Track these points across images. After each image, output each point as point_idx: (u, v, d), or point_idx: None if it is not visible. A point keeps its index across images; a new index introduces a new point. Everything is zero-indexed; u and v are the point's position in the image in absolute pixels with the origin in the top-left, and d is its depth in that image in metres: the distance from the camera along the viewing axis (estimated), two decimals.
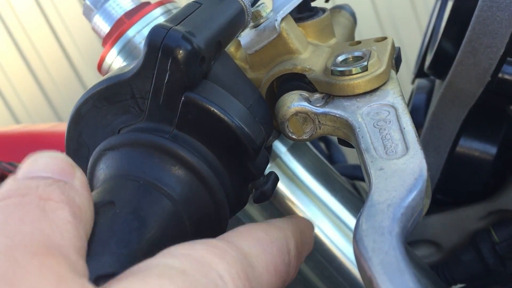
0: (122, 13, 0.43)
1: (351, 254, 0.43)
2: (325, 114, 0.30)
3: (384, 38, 0.34)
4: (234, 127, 0.26)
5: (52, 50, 1.91)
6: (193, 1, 0.29)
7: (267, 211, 0.43)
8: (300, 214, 0.42)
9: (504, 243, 0.49)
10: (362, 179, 0.69)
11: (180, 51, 0.25)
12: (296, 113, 0.31)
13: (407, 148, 0.25)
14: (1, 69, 1.93)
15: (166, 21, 0.27)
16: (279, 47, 0.33)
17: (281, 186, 0.41)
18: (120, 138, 0.27)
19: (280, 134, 0.38)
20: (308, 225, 0.32)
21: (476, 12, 0.37)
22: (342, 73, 0.30)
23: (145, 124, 0.27)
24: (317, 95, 0.32)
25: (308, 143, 0.45)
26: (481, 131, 0.50)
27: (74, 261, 0.19)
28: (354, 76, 0.30)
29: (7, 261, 0.17)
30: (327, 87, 0.31)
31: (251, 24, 0.34)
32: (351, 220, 0.43)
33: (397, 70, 0.34)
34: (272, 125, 0.34)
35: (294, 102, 0.31)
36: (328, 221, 0.42)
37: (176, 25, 0.26)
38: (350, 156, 0.83)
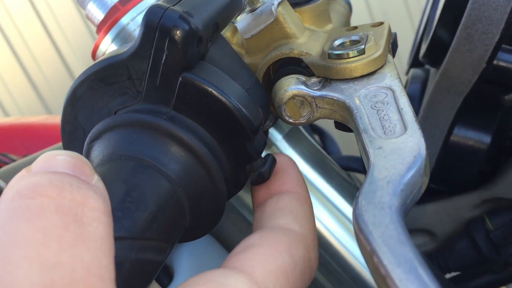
0: (116, 0, 0.43)
1: (346, 242, 0.43)
2: (322, 97, 0.30)
3: (381, 23, 0.34)
4: (232, 108, 0.26)
5: (42, 44, 1.89)
6: None
7: None
8: None
9: (498, 231, 0.49)
10: (356, 170, 0.70)
11: (178, 31, 0.25)
12: (293, 97, 0.31)
13: (405, 128, 0.25)
14: None
15: (163, 1, 0.26)
16: (275, 31, 0.33)
17: None
18: (117, 119, 0.27)
19: (277, 119, 0.38)
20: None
21: None
22: (339, 57, 0.30)
23: (142, 105, 0.27)
24: (314, 79, 0.32)
25: (303, 131, 0.45)
26: (475, 120, 0.50)
27: None
28: (351, 59, 0.30)
29: None
30: (324, 70, 0.31)
31: (248, 8, 0.34)
32: (346, 208, 0.43)
33: (393, 55, 0.34)
34: (269, 109, 0.34)
35: (291, 86, 0.31)
36: (324, 208, 0.42)
37: (174, 5, 0.26)
38: (344, 147, 0.83)
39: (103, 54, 0.42)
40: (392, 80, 0.29)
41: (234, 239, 0.59)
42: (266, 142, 0.30)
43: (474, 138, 0.50)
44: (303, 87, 0.31)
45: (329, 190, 0.43)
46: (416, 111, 0.53)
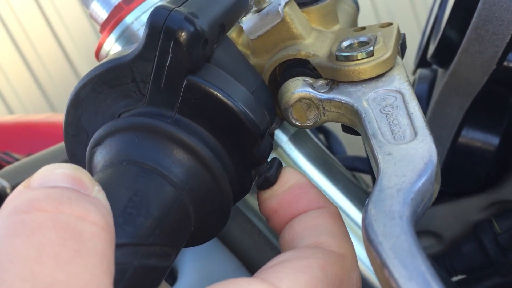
0: None
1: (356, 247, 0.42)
2: (329, 100, 0.30)
3: (390, 24, 0.33)
4: (238, 111, 0.26)
5: (47, 41, 1.89)
6: None
7: None
8: None
9: (506, 234, 0.48)
10: (362, 171, 0.69)
11: (183, 33, 0.24)
12: (300, 99, 0.31)
13: (415, 133, 0.25)
14: None
15: (168, 2, 0.26)
16: (282, 32, 0.33)
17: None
18: (120, 123, 0.26)
19: (283, 121, 0.38)
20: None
21: None
22: (347, 58, 0.30)
23: (146, 108, 0.27)
24: (321, 81, 0.31)
25: (309, 132, 0.44)
26: (483, 121, 0.50)
27: None
28: (360, 61, 0.30)
29: None
30: (331, 72, 0.31)
31: (254, 8, 0.33)
32: (352, 210, 0.43)
33: (402, 56, 0.33)
34: (275, 112, 0.33)
35: (298, 88, 0.31)
36: None
37: (179, 7, 0.25)
38: (349, 147, 0.83)
39: (107, 54, 0.41)
40: (402, 83, 0.29)
41: (239, 240, 0.59)
42: (272, 145, 0.29)
43: (482, 139, 0.50)
44: (310, 89, 0.30)
45: (335, 192, 0.43)
46: (424, 111, 0.53)
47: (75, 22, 1.84)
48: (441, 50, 0.43)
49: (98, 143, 0.27)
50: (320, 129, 0.79)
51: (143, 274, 0.22)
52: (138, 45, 0.26)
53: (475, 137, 0.50)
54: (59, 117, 0.78)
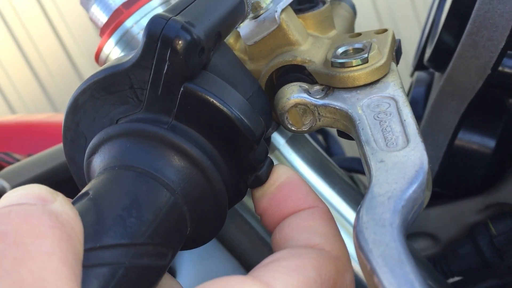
0: (120, 3, 0.42)
1: (349, 247, 0.43)
2: (325, 106, 0.30)
3: (385, 30, 0.34)
4: (234, 118, 0.26)
5: (48, 41, 1.90)
6: None
7: None
8: None
9: (501, 236, 0.49)
10: (360, 172, 0.69)
11: (180, 42, 0.25)
12: (296, 105, 0.31)
13: (408, 140, 0.25)
14: None
15: (165, 11, 0.26)
16: (279, 38, 0.33)
17: None
18: (118, 129, 0.27)
19: (279, 125, 0.38)
20: None
21: (477, 5, 0.37)
22: (343, 65, 0.30)
23: (143, 114, 0.27)
24: (316, 87, 0.32)
25: (306, 135, 0.44)
26: (480, 124, 0.50)
27: None
28: (355, 68, 0.30)
29: None
30: (327, 79, 0.31)
31: (251, 15, 0.33)
32: (349, 213, 0.43)
33: (397, 63, 0.33)
34: (271, 117, 0.34)
35: (294, 94, 0.31)
36: None
37: (176, 15, 0.26)
38: (347, 148, 0.83)
39: (107, 57, 0.42)
40: (396, 89, 0.29)
41: (237, 241, 0.59)
42: (267, 151, 0.30)
43: (479, 142, 0.50)
44: (305, 95, 0.31)
45: (332, 194, 0.43)
46: (421, 114, 0.53)
47: (77, 20, 1.85)
48: (437, 55, 0.44)
49: (96, 149, 0.27)
50: (319, 130, 0.79)
51: (136, 273, 0.22)
52: (136, 52, 0.26)
53: (471, 140, 0.50)
54: (60, 117, 0.78)
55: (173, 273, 0.53)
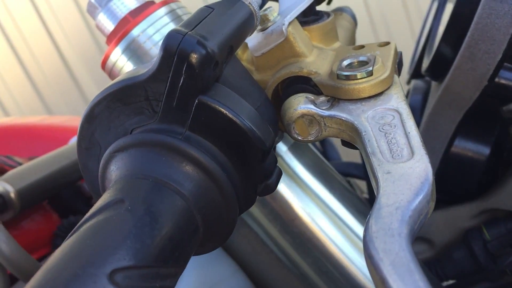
0: (127, 11, 0.43)
1: (348, 251, 0.44)
2: (331, 117, 0.31)
3: (387, 43, 0.35)
4: (246, 129, 0.27)
5: (42, 43, 1.90)
6: (205, 6, 0.30)
7: (266, 208, 0.44)
8: (299, 212, 0.43)
9: (495, 241, 0.50)
10: (356, 176, 0.71)
11: (195, 56, 0.26)
12: (302, 116, 0.32)
13: (412, 153, 0.26)
14: None
15: (180, 26, 0.27)
16: (285, 50, 0.34)
17: (282, 184, 0.42)
18: (133, 138, 0.28)
19: (284, 134, 0.39)
20: None
21: (475, 19, 0.38)
22: (348, 77, 0.31)
23: (158, 125, 0.28)
24: (322, 98, 0.33)
25: None
26: (475, 132, 0.52)
27: None
28: (360, 80, 0.31)
29: None
30: (332, 90, 0.32)
31: (259, 27, 0.34)
32: (348, 218, 0.44)
33: (399, 74, 0.35)
34: (278, 126, 0.35)
35: (301, 105, 0.32)
36: (327, 219, 0.44)
37: (191, 30, 0.27)
38: (343, 153, 0.84)
39: (113, 64, 0.43)
40: (399, 102, 0.30)
41: (237, 244, 0.60)
42: (276, 161, 0.31)
43: (474, 149, 0.51)
44: (312, 106, 0.32)
45: (332, 200, 0.44)
46: (418, 122, 0.55)
47: (70, 21, 1.85)
48: (435, 65, 0.45)
49: (111, 158, 0.28)
50: None
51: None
52: (153, 66, 0.27)
53: (467, 147, 0.51)
54: (53, 119, 0.78)
55: None
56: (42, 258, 0.58)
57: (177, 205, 0.26)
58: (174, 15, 0.42)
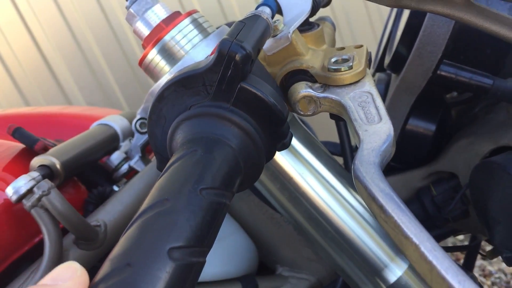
0: (159, 20, 0.56)
1: (330, 203, 0.57)
2: (324, 98, 0.45)
3: (361, 46, 0.49)
4: (271, 104, 0.41)
5: (20, 37, 1.95)
6: (239, 21, 0.43)
7: (269, 171, 0.58)
8: (294, 174, 0.56)
9: (440, 196, 0.65)
10: (333, 153, 0.85)
11: (240, 56, 0.39)
12: (304, 97, 0.46)
13: (381, 118, 0.40)
14: None
15: (227, 35, 0.40)
16: (290, 51, 0.48)
17: (280, 153, 0.56)
18: (195, 111, 0.41)
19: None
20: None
21: (422, 28, 0.53)
22: (335, 70, 0.45)
23: (211, 102, 0.41)
24: (317, 85, 0.47)
25: (299, 121, 0.59)
26: (424, 114, 0.67)
27: None
28: (343, 72, 0.45)
29: None
30: (324, 79, 0.46)
31: (271, 34, 0.48)
32: (331, 178, 0.58)
33: (370, 68, 0.49)
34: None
35: (302, 89, 0.46)
36: (314, 179, 0.57)
37: (236, 37, 0.40)
38: (319, 134, 0.99)
39: (149, 62, 0.55)
40: (371, 87, 0.45)
41: (238, 207, 0.73)
42: (289, 127, 0.44)
43: (423, 127, 0.66)
44: (310, 90, 0.46)
45: (320, 166, 0.58)
46: None
47: (49, 18, 1.92)
48: (394, 61, 0.60)
49: (178, 125, 0.41)
50: None
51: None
52: (209, 62, 0.40)
53: (418, 125, 0.66)
54: (74, 109, 0.90)
55: None
56: None
57: (228, 153, 0.39)
58: (196, 24, 0.55)
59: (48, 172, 0.63)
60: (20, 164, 0.67)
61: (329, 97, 0.45)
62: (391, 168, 0.71)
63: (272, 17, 0.48)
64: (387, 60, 0.62)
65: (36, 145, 0.68)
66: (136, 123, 0.76)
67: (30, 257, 0.63)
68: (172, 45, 0.54)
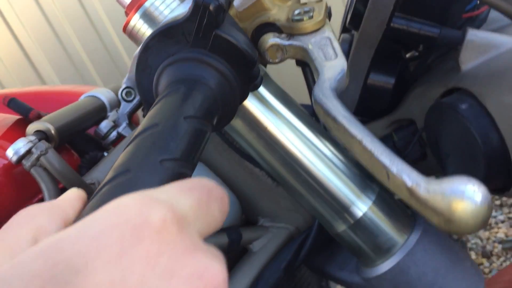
0: None
1: (302, 149, 0.64)
2: (290, 45, 0.52)
3: (321, 0, 0.56)
4: (243, 49, 0.47)
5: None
6: None
7: (246, 121, 0.64)
8: (269, 123, 0.63)
9: (400, 141, 0.73)
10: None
11: (213, 6, 0.45)
12: (272, 46, 0.52)
13: (336, 56, 0.47)
14: None
15: None
16: (258, 6, 0.54)
17: (256, 104, 0.62)
18: (177, 57, 0.47)
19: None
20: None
21: None
22: (298, 20, 0.52)
23: (190, 49, 0.47)
24: (283, 35, 0.53)
25: (271, 78, 0.66)
26: (384, 69, 0.74)
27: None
28: (306, 22, 0.52)
29: None
30: (289, 29, 0.53)
31: None
32: (302, 127, 0.64)
33: (329, 19, 0.56)
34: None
35: (270, 39, 0.52)
36: (286, 127, 0.63)
37: None
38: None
39: (132, 28, 0.61)
40: (329, 33, 0.51)
41: (217, 161, 0.79)
42: (259, 70, 0.51)
43: (383, 80, 0.73)
44: (277, 39, 0.52)
45: (292, 117, 0.64)
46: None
47: (28, 11, 1.95)
48: (354, 18, 0.66)
49: (163, 70, 0.47)
50: None
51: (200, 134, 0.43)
52: (187, 13, 0.46)
53: (378, 79, 0.73)
54: (82, 88, 0.95)
55: None
56: None
57: (207, 91, 0.45)
58: None
59: (43, 136, 0.68)
60: (16, 132, 0.72)
61: (293, 44, 0.52)
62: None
63: None
64: (348, 18, 0.69)
65: (30, 113, 0.73)
66: (122, 92, 0.82)
67: None
68: (152, 10, 0.60)
